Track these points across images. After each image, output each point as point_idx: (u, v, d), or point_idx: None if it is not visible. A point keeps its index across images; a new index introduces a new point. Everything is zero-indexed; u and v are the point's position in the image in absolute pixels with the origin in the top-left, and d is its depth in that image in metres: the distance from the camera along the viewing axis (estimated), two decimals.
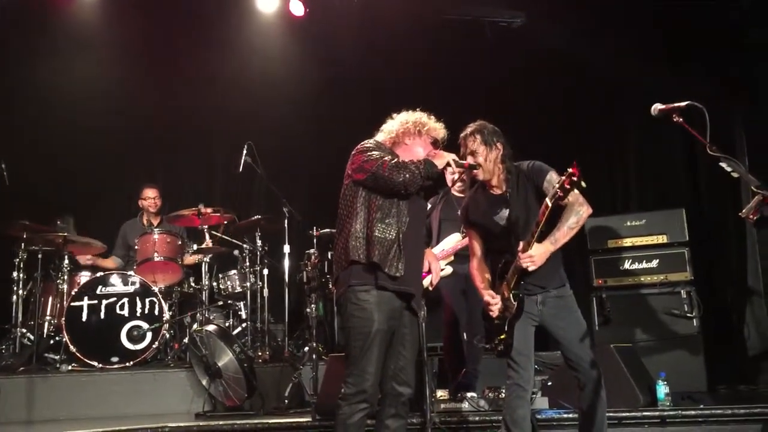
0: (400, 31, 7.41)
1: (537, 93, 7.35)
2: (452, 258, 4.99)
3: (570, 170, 3.03)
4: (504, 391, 4.28)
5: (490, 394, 4.56)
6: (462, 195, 5.17)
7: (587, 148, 7.30)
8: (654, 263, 5.58)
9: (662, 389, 4.52)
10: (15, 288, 5.94)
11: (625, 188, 7.18)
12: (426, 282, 3.76)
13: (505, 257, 3.50)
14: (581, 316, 3.57)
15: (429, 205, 5.08)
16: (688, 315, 5.41)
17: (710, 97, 3.35)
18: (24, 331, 5.95)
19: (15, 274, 5.96)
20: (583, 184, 3.03)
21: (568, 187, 3.04)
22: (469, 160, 3.54)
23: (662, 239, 5.60)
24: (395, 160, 3.42)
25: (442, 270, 4.98)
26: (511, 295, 3.45)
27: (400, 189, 3.36)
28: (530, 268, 3.32)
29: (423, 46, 7.48)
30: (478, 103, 7.13)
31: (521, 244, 3.34)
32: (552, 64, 7.26)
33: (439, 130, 3.64)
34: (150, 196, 6.80)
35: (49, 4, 7.12)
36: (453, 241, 5.01)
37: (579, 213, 3.37)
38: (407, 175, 3.33)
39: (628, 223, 5.74)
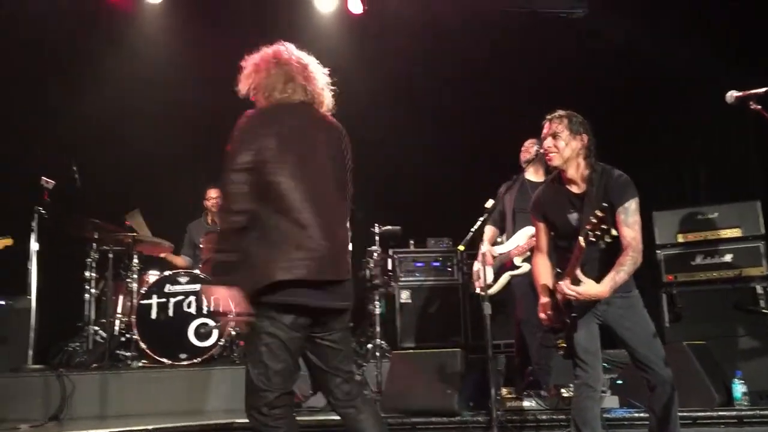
0: (458, 26, 7.37)
1: (599, 85, 7.18)
2: (528, 254, 4.90)
3: (600, 213, 2.97)
4: (572, 389, 4.21)
5: (555, 393, 4.48)
6: (537, 180, 5.07)
7: (653, 140, 7.10)
8: (727, 257, 5.36)
9: (739, 388, 4.35)
10: (87, 287, 6.13)
11: (694, 181, 6.95)
12: None
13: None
14: (647, 316, 3.45)
15: None
16: (764, 311, 5.18)
17: None
18: (96, 328, 6.12)
19: (87, 273, 6.14)
20: (614, 232, 3.00)
21: (599, 233, 2.97)
22: (548, 141, 3.40)
23: (736, 233, 5.38)
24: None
25: (518, 267, 4.92)
26: (564, 311, 3.37)
27: None
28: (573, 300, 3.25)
29: (482, 40, 7.42)
30: (539, 97, 7.02)
31: (572, 273, 3.23)
32: (614, 55, 7.09)
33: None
34: (212, 196, 6.94)
35: (115, 8, 7.34)
36: (527, 235, 4.92)
37: (636, 262, 3.29)
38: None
39: (700, 217, 5.53)
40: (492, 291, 5.06)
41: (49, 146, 6.86)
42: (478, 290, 5.02)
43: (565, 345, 3.40)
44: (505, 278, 5.07)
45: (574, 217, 3.40)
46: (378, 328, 5.28)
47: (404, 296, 6.53)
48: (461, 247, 4.78)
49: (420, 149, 7.68)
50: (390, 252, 6.31)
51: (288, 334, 2.79)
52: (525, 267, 4.94)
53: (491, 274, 5.09)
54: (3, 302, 5.96)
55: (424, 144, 7.70)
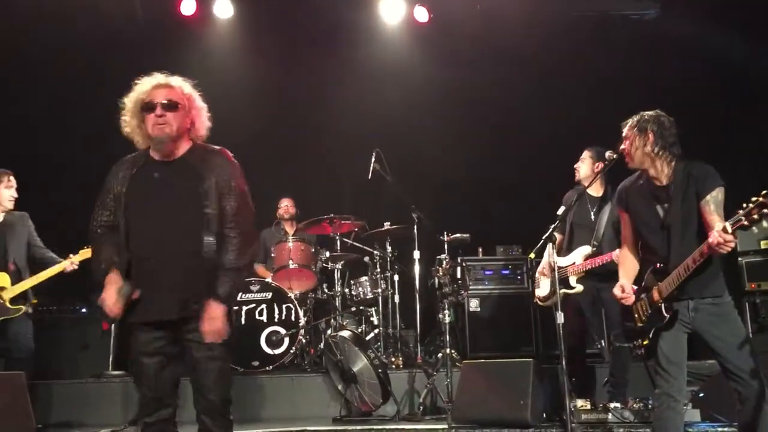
0: (525, 32, 7.30)
1: (671, 88, 6.97)
2: (583, 274, 4.85)
3: (761, 200, 2.87)
4: (651, 402, 4.08)
5: (635, 405, 4.34)
6: (596, 195, 5.01)
7: (731, 144, 6.85)
8: None
9: None
10: None
11: None
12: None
13: (659, 258, 3.33)
14: (740, 324, 3.33)
15: None
16: None
17: None
18: None
19: None
20: None
21: (756, 218, 2.88)
22: (626, 146, 3.43)
23: None
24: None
25: (573, 288, 4.87)
26: (663, 305, 3.27)
27: None
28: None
29: (548, 45, 7.33)
30: (608, 101, 6.90)
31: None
32: (689, 56, 6.88)
33: (141, 93, 3.14)
34: (284, 205, 7.08)
35: (187, 23, 7.58)
36: (582, 255, 4.88)
37: None
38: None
39: None
40: (547, 303, 5.10)
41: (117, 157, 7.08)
42: (536, 300, 5.16)
43: (647, 344, 3.30)
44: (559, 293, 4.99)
45: (661, 209, 3.36)
46: (448, 337, 5.23)
47: (473, 305, 6.46)
48: (532, 255, 4.71)
49: (488, 156, 7.62)
50: (459, 260, 6.26)
51: None
52: (578, 288, 4.89)
53: (548, 286, 5.09)
54: (84, 311, 6.19)
55: (492, 151, 7.64)
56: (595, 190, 5.04)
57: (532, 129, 7.55)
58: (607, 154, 3.69)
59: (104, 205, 3.13)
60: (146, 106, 3.08)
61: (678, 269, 3.21)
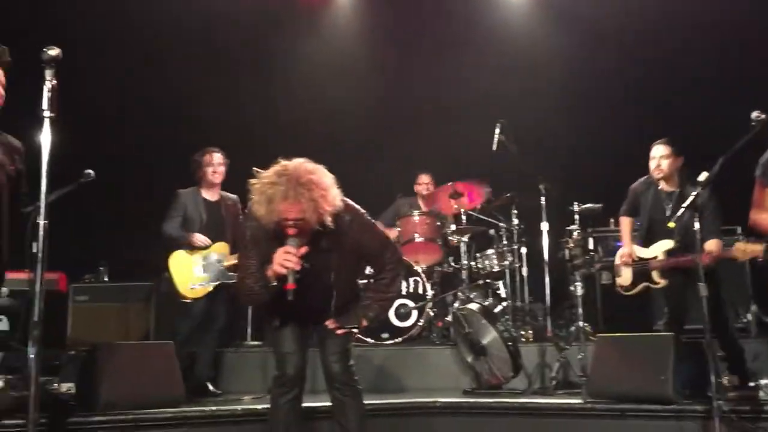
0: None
1: None
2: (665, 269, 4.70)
3: None
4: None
5: None
6: (670, 190, 4.84)
7: None
8: None
9: None
10: None
11: None
12: None
13: None
14: None
15: None
16: None
17: None
18: None
19: None
20: None
21: None
22: None
23: None
24: (241, 270, 3.32)
25: (657, 284, 4.78)
26: None
27: None
28: None
29: (674, 16, 7.06)
30: (737, 71, 6.50)
31: None
32: None
33: (274, 212, 3.05)
34: (424, 182, 7.07)
35: (306, 5, 7.76)
36: (663, 249, 4.74)
37: None
38: (245, 299, 3.56)
39: None
40: (631, 293, 5.00)
41: (240, 139, 7.26)
42: (618, 289, 5.09)
43: None
44: (642, 286, 4.91)
45: None
46: (580, 310, 5.09)
47: (605, 277, 6.23)
48: (671, 224, 4.50)
49: (620, 125, 7.33)
50: (589, 231, 6.05)
51: None
52: (662, 283, 4.77)
53: (630, 275, 4.96)
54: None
55: (624, 120, 7.35)
56: (671, 185, 4.85)
57: (661, 98, 7.23)
58: (754, 114, 3.43)
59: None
60: (279, 222, 3.11)
61: None
